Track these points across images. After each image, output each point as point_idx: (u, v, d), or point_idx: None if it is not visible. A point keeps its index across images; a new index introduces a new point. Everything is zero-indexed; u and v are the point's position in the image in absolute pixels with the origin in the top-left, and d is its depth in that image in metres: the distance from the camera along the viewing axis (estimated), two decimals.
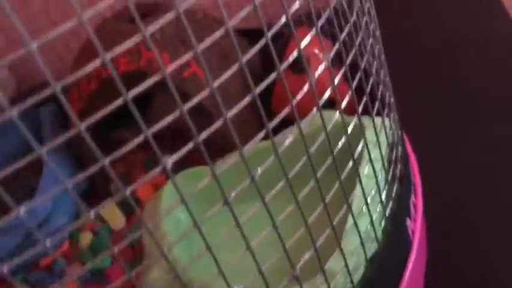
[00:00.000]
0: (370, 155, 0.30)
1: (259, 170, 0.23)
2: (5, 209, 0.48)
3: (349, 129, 0.28)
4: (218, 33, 0.21)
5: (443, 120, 0.54)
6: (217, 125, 0.22)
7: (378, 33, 0.34)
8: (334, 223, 0.28)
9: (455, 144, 0.51)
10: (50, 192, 0.19)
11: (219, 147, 0.46)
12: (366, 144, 0.30)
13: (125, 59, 0.45)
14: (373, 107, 0.31)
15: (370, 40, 0.30)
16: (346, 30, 0.28)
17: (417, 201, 0.39)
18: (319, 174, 0.26)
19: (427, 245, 0.41)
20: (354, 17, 0.28)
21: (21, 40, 0.61)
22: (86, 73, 0.18)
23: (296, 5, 0.26)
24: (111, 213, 0.50)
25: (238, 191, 0.23)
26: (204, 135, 0.22)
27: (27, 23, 0.63)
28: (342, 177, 0.28)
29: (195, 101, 0.21)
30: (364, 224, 0.32)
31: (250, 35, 0.48)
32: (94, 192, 0.52)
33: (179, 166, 0.50)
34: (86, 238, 0.49)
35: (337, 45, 0.27)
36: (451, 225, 0.45)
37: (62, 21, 0.64)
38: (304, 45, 0.40)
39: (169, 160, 0.20)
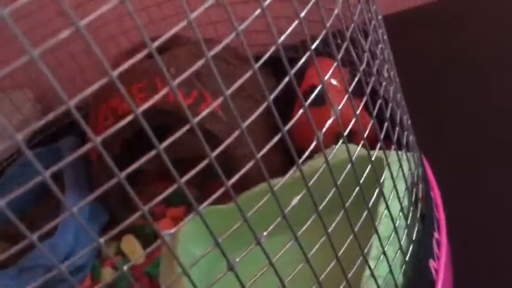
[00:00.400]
0: (386, 201, 0.29)
1: (264, 234, 0.23)
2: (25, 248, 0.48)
3: (366, 171, 0.27)
4: (240, 81, 0.21)
5: (468, 149, 0.52)
6: (246, 169, 0.22)
7: (391, 57, 0.33)
8: (349, 275, 0.27)
9: (480, 174, 0.49)
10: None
11: (237, 182, 0.45)
12: (381, 190, 0.29)
13: (141, 94, 0.45)
14: (395, 143, 0.30)
15: (388, 85, 0.29)
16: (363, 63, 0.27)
17: (441, 237, 0.38)
18: (329, 229, 0.25)
19: (453, 282, 0.40)
20: (366, 57, 0.27)
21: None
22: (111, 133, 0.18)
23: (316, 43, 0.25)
24: (132, 247, 0.50)
25: (242, 255, 0.23)
26: (232, 180, 0.22)
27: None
28: (357, 227, 0.27)
29: (221, 147, 0.21)
30: (383, 269, 0.31)
31: (270, 62, 0.48)
32: (114, 225, 0.52)
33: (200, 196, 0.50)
34: (107, 273, 0.49)
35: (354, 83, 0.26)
36: (478, 259, 0.44)
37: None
38: (319, 77, 0.39)
39: (168, 235, 0.20)
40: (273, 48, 0.20)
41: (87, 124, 0.52)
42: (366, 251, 0.27)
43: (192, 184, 0.53)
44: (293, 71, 0.21)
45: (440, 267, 0.36)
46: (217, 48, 0.20)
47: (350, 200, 0.26)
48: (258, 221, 0.39)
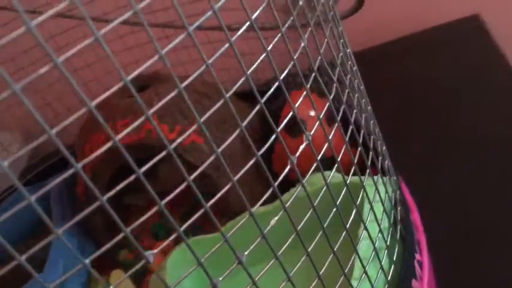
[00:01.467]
0: (364, 223, 0.30)
1: (245, 254, 0.24)
2: (19, 280, 0.48)
3: (341, 195, 0.28)
4: (215, 106, 0.22)
5: (446, 170, 0.53)
6: (222, 191, 0.23)
7: (362, 87, 0.35)
8: None
9: (460, 194, 0.51)
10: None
11: (219, 209, 0.46)
12: (358, 212, 0.30)
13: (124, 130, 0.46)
14: (370, 169, 0.31)
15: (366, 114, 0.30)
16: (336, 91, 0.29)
17: (423, 258, 0.39)
18: (309, 249, 0.26)
19: None
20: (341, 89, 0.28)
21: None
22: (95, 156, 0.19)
23: (285, 73, 0.26)
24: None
25: (225, 274, 0.24)
26: (210, 203, 0.23)
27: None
28: (335, 247, 0.28)
29: (199, 171, 0.22)
30: None
31: (248, 96, 0.49)
32: (102, 259, 0.52)
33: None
34: None
35: (326, 107, 0.27)
36: (463, 277, 0.44)
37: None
38: (298, 108, 0.41)
39: (151, 255, 0.21)
40: (241, 80, 0.21)
41: (78, 158, 0.53)
42: (346, 271, 0.28)
43: (180, 214, 0.54)
44: (263, 100, 0.23)
45: (423, 287, 0.37)
46: (186, 82, 0.21)
47: (327, 222, 0.27)
48: (245, 247, 0.40)
